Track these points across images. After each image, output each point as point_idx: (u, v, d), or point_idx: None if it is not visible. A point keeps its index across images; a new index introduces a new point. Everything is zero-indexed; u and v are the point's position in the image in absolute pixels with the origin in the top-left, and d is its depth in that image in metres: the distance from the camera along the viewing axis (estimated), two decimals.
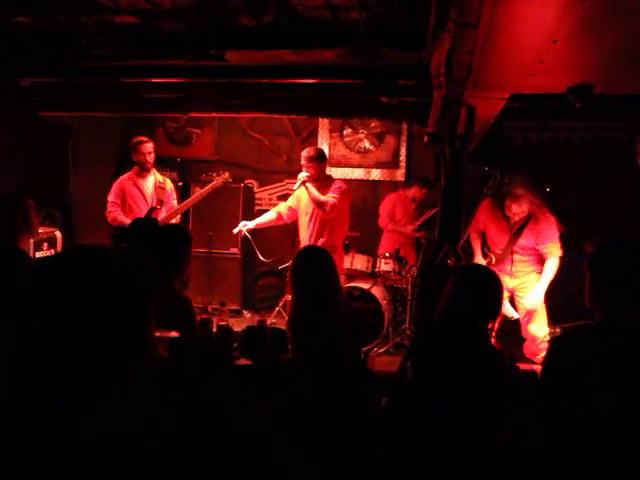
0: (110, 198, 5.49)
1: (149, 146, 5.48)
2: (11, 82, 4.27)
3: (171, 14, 3.16)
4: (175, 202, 5.73)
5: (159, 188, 5.60)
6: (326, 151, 7.32)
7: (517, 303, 4.79)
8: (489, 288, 2.76)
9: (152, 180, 5.60)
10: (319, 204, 5.02)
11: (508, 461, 2.70)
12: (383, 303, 5.76)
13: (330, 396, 2.89)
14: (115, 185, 5.55)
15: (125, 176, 5.62)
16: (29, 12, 3.33)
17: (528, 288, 4.65)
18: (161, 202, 5.55)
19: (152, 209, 5.47)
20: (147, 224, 3.87)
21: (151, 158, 5.51)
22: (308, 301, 2.94)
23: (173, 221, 5.58)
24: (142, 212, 5.44)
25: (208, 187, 5.76)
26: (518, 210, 4.49)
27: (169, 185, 5.73)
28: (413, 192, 6.42)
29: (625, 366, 2.03)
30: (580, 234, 4.44)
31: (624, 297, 2.10)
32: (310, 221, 5.25)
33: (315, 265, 3.03)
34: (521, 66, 2.81)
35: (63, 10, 3.11)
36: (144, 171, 5.54)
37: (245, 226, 5.44)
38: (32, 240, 5.33)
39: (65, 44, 3.76)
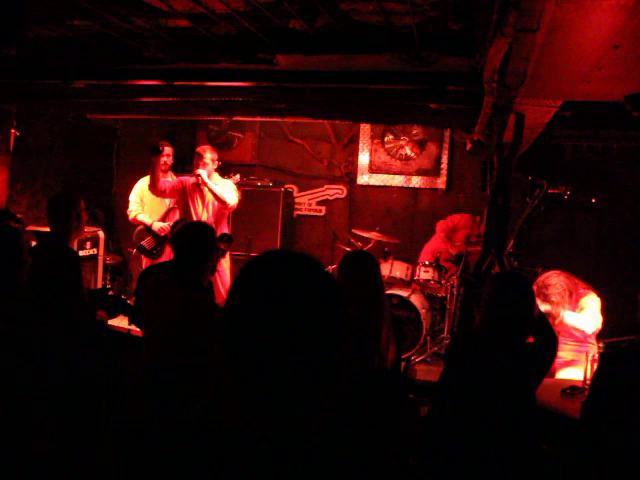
0: (131, 198, 5.75)
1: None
2: (63, 84, 4.36)
3: (224, 18, 3.18)
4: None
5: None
6: (367, 157, 7.32)
7: None
8: (519, 295, 2.73)
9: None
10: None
11: (549, 473, 2.65)
12: (422, 312, 5.70)
13: (370, 403, 2.87)
14: (136, 185, 5.80)
15: (146, 177, 5.74)
16: (84, 15, 3.40)
17: None
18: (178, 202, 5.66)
19: (169, 210, 5.65)
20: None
21: (168, 161, 5.75)
22: (357, 304, 2.91)
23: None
24: (157, 212, 5.68)
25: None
26: (542, 308, 3.95)
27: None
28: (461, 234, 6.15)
29: None
30: (630, 246, 4.32)
31: None
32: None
33: (365, 269, 3.01)
34: (577, 73, 2.75)
35: (118, 13, 3.17)
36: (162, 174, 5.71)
37: None
38: (76, 240, 5.45)
39: (117, 47, 3.83)
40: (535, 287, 4.07)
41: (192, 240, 3.01)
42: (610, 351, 2.50)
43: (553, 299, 4.00)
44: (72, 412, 2.26)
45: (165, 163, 5.72)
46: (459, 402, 2.75)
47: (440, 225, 6.39)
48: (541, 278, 4.11)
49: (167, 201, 5.77)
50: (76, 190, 6.18)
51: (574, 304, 4.07)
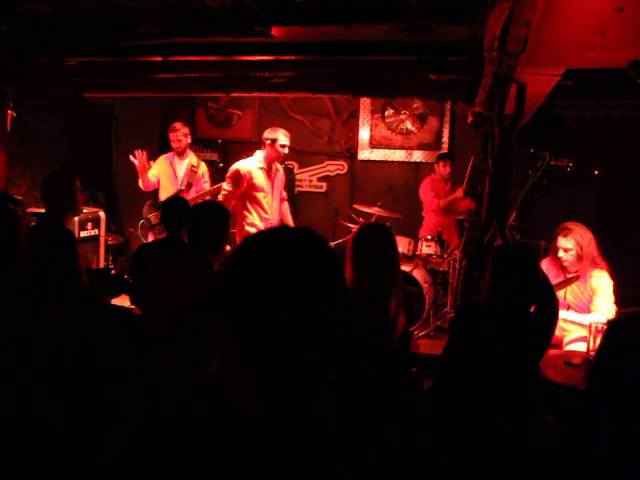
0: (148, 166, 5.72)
1: (179, 134, 5.69)
2: (58, 62, 4.30)
3: None
4: (207, 185, 5.83)
5: (191, 171, 5.78)
6: (367, 132, 7.26)
7: None
8: (524, 266, 2.72)
9: (187, 162, 5.80)
10: None
11: (552, 445, 2.65)
12: (425, 286, 5.70)
13: (381, 376, 2.87)
14: (158, 159, 5.84)
15: (167, 154, 5.87)
16: None
17: None
18: (190, 184, 5.73)
19: (178, 192, 5.61)
20: (179, 205, 3.88)
21: (182, 144, 5.71)
22: (372, 276, 2.88)
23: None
24: (169, 190, 5.66)
25: None
26: (563, 244, 3.99)
27: (202, 169, 5.87)
28: (440, 170, 6.33)
29: None
30: (634, 218, 4.27)
31: None
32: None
33: (381, 242, 2.97)
34: (580, 39, 2.69)
35: None
36: (178, 154, 5.77)
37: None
38: (77, 220, 5.43)
39: (113, 22, 3.76)
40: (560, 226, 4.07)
41: (210, 217, 2.98)
42: (617, 320, 2.48)
43: (577, 237, 3.94)
44: (76, 395, 2.25)
45: (177, 147, 5.71)
46: (463, 373, 2.75)
47: (423, 191, 6.43)
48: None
49: (178, 182, 5.75)
50: (70, 169, 6.13)
51: (583, 272, 3.99)
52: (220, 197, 5.11)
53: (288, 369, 1.02)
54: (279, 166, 5.42)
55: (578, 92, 3.90)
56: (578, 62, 3.13)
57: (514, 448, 2.60)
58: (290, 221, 5.56)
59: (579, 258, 3.94)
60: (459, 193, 6.10)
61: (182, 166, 5.78)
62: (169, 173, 5.76)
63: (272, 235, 1.08)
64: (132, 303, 3.85)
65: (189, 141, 5.79)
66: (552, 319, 2.83)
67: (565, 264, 4.00)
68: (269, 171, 5.23)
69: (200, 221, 2.99)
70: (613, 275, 3.93)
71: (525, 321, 2.74)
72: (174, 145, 5.71)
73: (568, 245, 3.95)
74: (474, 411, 2.66)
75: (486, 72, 3.37)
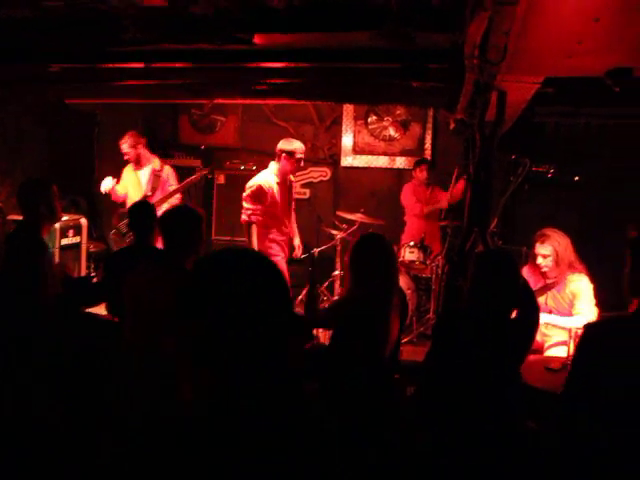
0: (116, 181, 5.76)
1: (124, 146, 5.70)
2: (40, 68, 4.27)
3: None
4: (173, 187, 5.78)
5: (154, 176, 5.76)
6: (350, 139, 7.29)
7: None
8: (504, 272, 2.75)
9: (149, 168, 5.79)
10: None
11: (535, 449, 2.68)
12: (407, 292, 5.71)
13: (372, 385, 2.89)
14: (124, 170, 5.88)
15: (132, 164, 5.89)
16: None
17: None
18: (154, 189, 5.70)
19: (144, 197, 5.58)
20: (143, 209, 3.83)
21: (129, 155, 5.72)
22: (371, 283, 2.92)
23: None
24: (134, 198, 5.60)
25: (188, 180, 5.86)
26: (540, 250, 4.04)
27: (166, 172, 5.84)
28: (418, 175, 6.40)
29: None
30: (613, 224, 4.33)
31: None
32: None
33: (382, 249, 3.02)
34: (558, 47, 2.73)
35: None
36: (135, 164, 5.80)
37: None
38: (58, 227, 5.38)
39: (93, 29, 3.74)
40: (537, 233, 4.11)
41: (183, 222, 2.98)
42: (592, 324, 2.51)
43: (554, 244, 3.98)
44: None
45: (127, 155, 5.71)
46: (445, 379, 2.77)
47: (404, 196, 6.47)
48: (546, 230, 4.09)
49: (144, 188, 5.73)
50: (49, 176, 6.08)
51: (561, 277, 4.04)
52: (244, 217, 5.00)
53: (233, 374, 1.13)
54: (292, 177, 5.42)
55: (557, 100, 3.96)
56: (557, 70, 3.18)
57: (496, 453, 2.61)
58: (296, 231, 5.55)
59: (557, 263, 3.99)
60: (444, 203, 6.15)
61: (145, 172, 5.78)
62: (134, 182, 5.78)
63: (218, 257, 1.25)
64: (109, 312, 3.78)
65: (140, 150, 5.73)
66: (533, 324, 2.86)
67: (544, 270, 4.05)
68: (284, 184, 5.18)
69: (173, 226, 3.00)
70: (593, 279, 3.98)
71: (506, 326, 2.77)
72: (124, 157, 5.74)
73: (545, 251, 4.00)
74: (456, 416, 2.67)
75: (467, 80, 3.41)
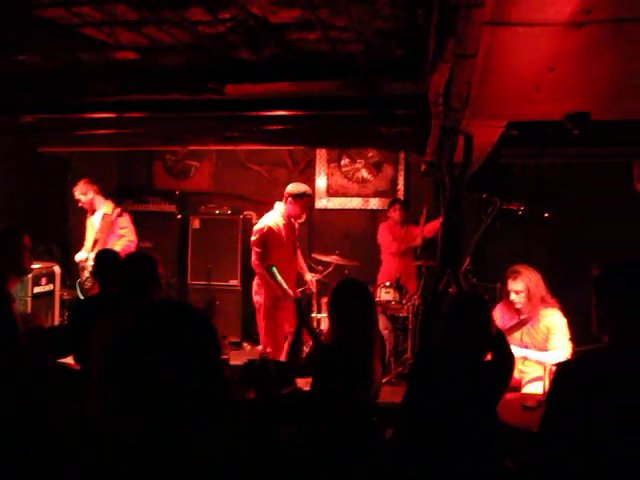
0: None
1: (76, 194, 5.87)
2: (13, 120, 4.29)
3: (171, 49, 3.20)
4: (124, 231, 5.82)
5: (103, 220, 5.85)
6: (324, 181, 7.38)
7: None
8: (477, 313, 2.79)
9: (101, 213, 5.89)
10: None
11: None
12: (385, 332, 5.71)
13: (351, 427, 2.90)
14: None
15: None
16: (30, 50, 3.37)
17: None
18: (102, 232, 5.77)
19: (94, 242, 5.76)
20: (106, 257, 3.80)
21: (82, 203, 5.88)
22: (353, 328, 2.96)
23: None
24: (89, 244, 5.83)
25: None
26: (513, 287, 4.08)
27: (115, 215, 5.86)
28: (392, 215, 6.52)
29: (636, 389, 2.00)
30: (578, 261, 4.42)
31: (633, 319, 2.08)
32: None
33: (362, 294, 3.07)
34: (518, 95, 2.84)
35: (64, 48, 3.15)
36: (90, 212, 5.95)
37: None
38: (31, 276, 5.31)
39: (66, 80, 3.79)
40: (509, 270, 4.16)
41: (142, 269, 2.98)
42: (565, 361, 2.55)
43: (526, 280, 4.04)
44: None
45: (80, 202, 5.86)
46: (421, 420, 2.77)
47: (381, 235, 6.56)
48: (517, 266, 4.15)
49: (96, 232, 5.83)
50: (18, 227, 6.06)
51: (534, 312, 4.09)
52: (255, 260, 4.97)
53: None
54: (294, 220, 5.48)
55: (522, 142, 4.08)
56: (519, 115, 3.30)
57: None
58: (305, 267, 5.61)
59: (529, 299, 4.05)
60: (419, 241, 6.23)
61: (97, 217, 5.90)
62: (89, 228, 5.93)
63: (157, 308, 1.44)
64: (76, 362, 3.69)
65: (90, 197, 5.82)
66: (507, 370, 2.87)
67: (518, 306, 4.10)
68: (289, 225, 5.22)
69: (130, 273, 2.99)
70: (565, 314, 4.04)
71: (479, 367, 2.79)
72: (78, 204, 5.92)
73: (518, 287, 4.07)
74: (431, 457, 2.67)
75: (434, 125, 3.51)
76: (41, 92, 3.99)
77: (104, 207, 5.88)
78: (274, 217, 5.12)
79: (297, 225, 5.53)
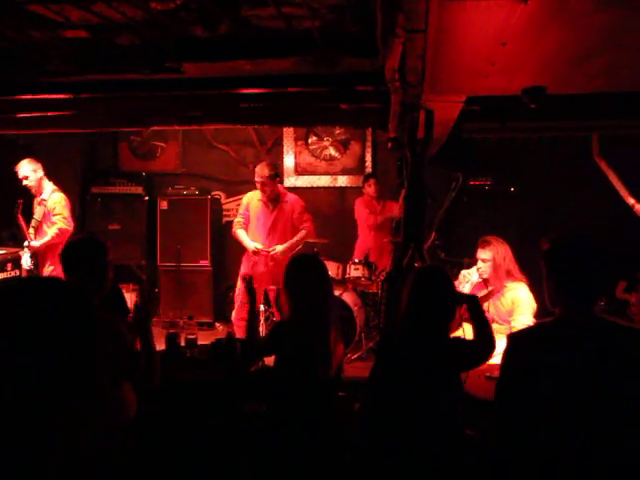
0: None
1: (23, 171, 5.54)
2: None
3: (124, 28, 3.13)
4: (57, 219, 5.51)
5: (39, 206, 5.61)
6: (292, 160, 7.35)
7: None
8: (439, 286, 2.81)
9: (39, 199, 5.63)
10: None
11: (478, 459, 2.74)
12: (354, 309, 5.77)
13: (313, 404, 2.93)
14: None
15: None
16: None
17: None
18: (37, 221, 5.54)
19: (29, 228, 5.55)
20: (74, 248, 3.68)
21: (32, 182, 5.53)
22: (307, 305, 2.98)
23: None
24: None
25: None
26: (481, 255, 4.16)
27: (51, 202, 5.58)
28: (367, 190, 6.57)
29: (584, 359, 2.06)
30: (548, 231, 4.48)
31: (579, 291, 2.14)
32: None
33: (313, 271, 3.09)
34: (473, 69, 2.84)
35: (12, 26, 3.06)
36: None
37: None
38: None
39: (19, 60, 3.70)
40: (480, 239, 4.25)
41: (84, 254, 2.73)
42: (516, 332, 2.61)
43: (493, 250, 4.10)
44: None
45: (26, 186, 5.54)
46: (386, 395, 2.81)
47: (357, 209, 6.66)
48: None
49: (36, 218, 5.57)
50: None
51: (499, 284, 4.14)
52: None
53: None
54: (291, 197, 5.85)
55: (483, 117, 4.10)
56: (476, 89, 3.30)
57: (436, 462, 2.67)
58: (284, 245, 5.71)
59: (494, 270, 4.11)
60: (395, 211, 6.26)
61: (36, 203, 5.64)
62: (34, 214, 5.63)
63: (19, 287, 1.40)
64: None
65: (40, 175, 5.56)
66: (484, 357, 2.87)
67: (484, 276, 4.16)
68: (269, 203, 5.68)
69: (75, 259, 2.80)
70: (532, 288, 4.09)
71: (445, 345, 2.80)
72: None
73: (485, 256, 4.14)
74: (397, 430, 2.72)
75: (393, 101, 3.51)
76: None
77: (45, 191, 5.59)
78: (255, 192, 5.76)
79: (291, 206, 5.77)
